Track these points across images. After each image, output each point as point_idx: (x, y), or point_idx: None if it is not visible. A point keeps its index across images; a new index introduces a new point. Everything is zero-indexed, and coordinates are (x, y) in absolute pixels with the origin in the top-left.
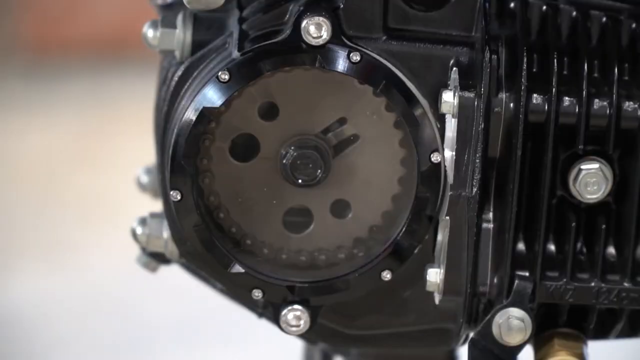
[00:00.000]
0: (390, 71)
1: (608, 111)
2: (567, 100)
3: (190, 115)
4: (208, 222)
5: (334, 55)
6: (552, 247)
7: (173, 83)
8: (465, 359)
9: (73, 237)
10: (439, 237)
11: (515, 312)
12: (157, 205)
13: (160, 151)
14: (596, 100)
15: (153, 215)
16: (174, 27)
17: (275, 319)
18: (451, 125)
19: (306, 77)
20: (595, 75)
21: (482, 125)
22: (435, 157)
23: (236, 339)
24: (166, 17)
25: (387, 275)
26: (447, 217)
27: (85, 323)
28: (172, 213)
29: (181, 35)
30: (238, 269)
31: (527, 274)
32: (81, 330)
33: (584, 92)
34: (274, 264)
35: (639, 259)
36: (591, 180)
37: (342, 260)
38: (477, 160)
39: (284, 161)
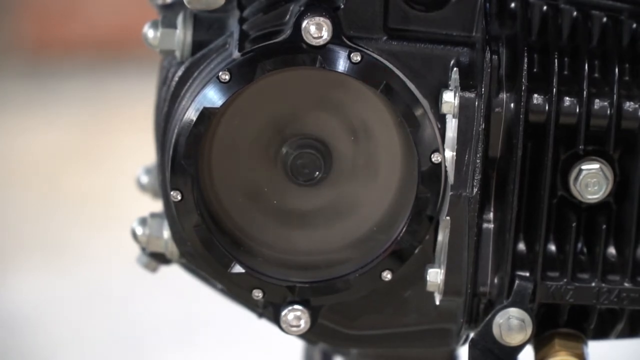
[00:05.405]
0: (391, 71)
1: (608, 111)
2: (567, 100)
3: (191, 115)
4: (208, 222)
5: (335, 56)
6: (552, 247)
7: (173, 83)
8: (466, 359)
9: (72, 237)
10: (440, 238)
11: (516, 312)
12: (157, 205)
13: (161, 151)
14: (597, 100)
15: (153, 215)
16: (175, 27)
17: (276, 319)
18: (452, 126)
19: (307, 78)
20: (596, 75)
21: (483, 126)
22: (435, 157)
23: (236, 339)
24: (166, 17)
25: (387, 276)
26: (448, 218)
27: (84, 323)
28: (172, 213)
29: (181, 35)
30: (238, 269)
31: (527, 274)
32: (80, 330)
33: (585, 92)
34: (274, 264)
35: None
36: (592, 181)
37: (343, 260)
38: (478, 161)
39: (285, 161)
